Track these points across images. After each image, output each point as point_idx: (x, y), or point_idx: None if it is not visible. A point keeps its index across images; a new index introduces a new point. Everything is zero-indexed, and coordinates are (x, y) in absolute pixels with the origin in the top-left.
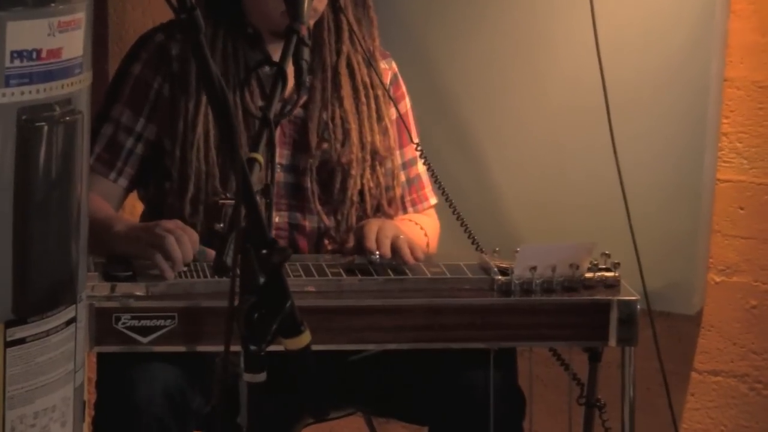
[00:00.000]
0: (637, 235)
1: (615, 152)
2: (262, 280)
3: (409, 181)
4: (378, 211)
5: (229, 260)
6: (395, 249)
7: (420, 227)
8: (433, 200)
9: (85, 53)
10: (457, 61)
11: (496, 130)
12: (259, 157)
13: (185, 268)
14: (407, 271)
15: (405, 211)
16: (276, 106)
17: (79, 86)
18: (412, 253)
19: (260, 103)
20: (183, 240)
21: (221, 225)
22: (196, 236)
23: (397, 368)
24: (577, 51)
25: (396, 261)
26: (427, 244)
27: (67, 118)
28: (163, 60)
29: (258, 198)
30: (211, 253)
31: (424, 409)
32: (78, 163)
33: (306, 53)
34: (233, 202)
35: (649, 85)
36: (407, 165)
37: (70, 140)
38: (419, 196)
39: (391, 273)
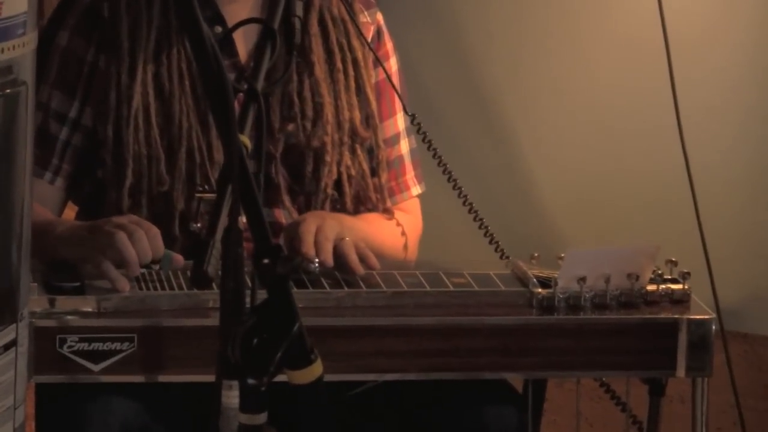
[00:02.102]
0: (709, 239)
1: (682, 139)
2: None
3: (388, 165)
4: (360, 203)
5: (211, 269)
6: (339, 255)
7: (397, 225)
8: (417, 190)
9: (30, 9)
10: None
11: (532, 111)
12: (246, 139)
13: (143, 271)
14: (361, 284)
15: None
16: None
17: (21, 51)
18: (364, 260)
19: None
20: (138, 237)
21: (197, 225)
22: (155, 232)
23: (406, 405)
24: (633, 26)
25: (340, 271)
26: (405, 247)
27: (8, 91)
28: (95, 24)
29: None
30: (179, 259)
31: None
32: (21, 149)
33: (299, 8)
34: (213, 195)
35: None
36: (388, 143)
37: (10, 119)
38: (399, 185)
39: (326, 286)
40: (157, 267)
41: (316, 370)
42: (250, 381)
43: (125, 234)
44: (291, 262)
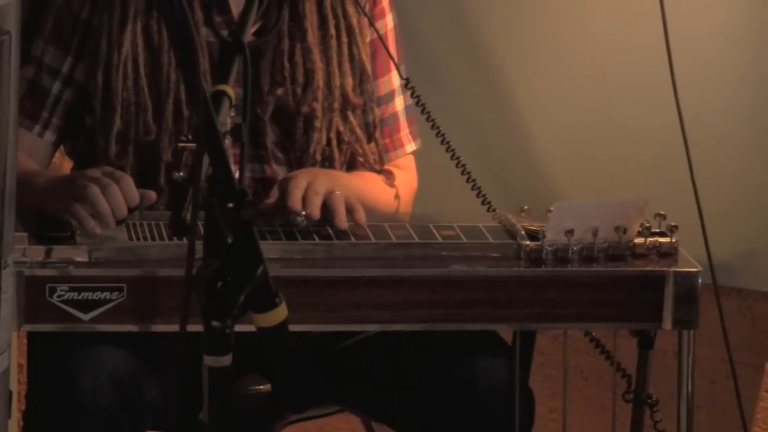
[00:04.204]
0: (702, 191)
1: (676, 96)
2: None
3: (382, 122)
4: (352, 166)
5: (189, 217)
6: (328, 208)
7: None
8: (411, 147)
9: None
10: None
11: (528, 67)
12: (229, 90)
13: (117, 225)
14: (351, 235)
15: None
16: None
17: (5, 0)
18: (352, 213)
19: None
20: (111, 190)
21: (180, 174)
22: (128, 181)
23: (395, 357)
24: None
25: (329, 225)
26: (399, 204)
27: None
28: None
29: (227, 141)
30: (151, 195)
31: (416, 412)
32: (5, 98)
33: None
34: (194, 145)
35: (710, 20)
36: (382, 101)
37: None
38: (393, 142)
39: (316, 238)
40: (135, 213)
41: (280, 313)
42: (215, 323)
43: (98, 188)
44: (255, 206)
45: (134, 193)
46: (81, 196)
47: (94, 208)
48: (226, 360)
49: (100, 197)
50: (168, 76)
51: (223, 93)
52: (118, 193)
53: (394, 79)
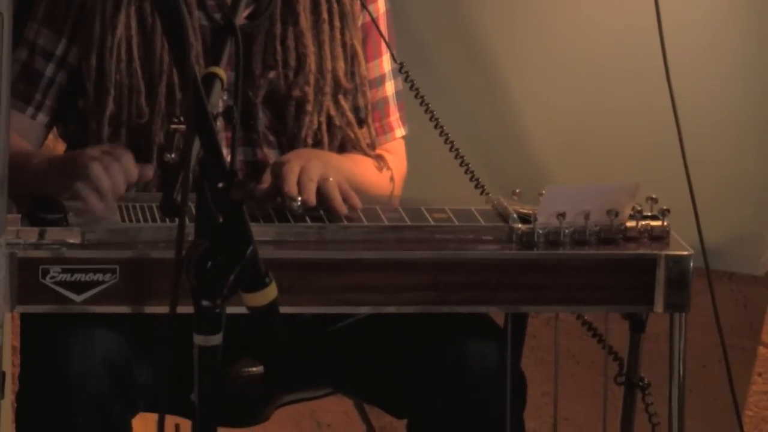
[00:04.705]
0: (694, 177)
1: (669, 81)
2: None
3: (373, 107)
4: (343, 151)
5: (180, 198)
6: (323, 195)
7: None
8: (401, 131)
9: None
10: None
11: (521, 52)
12: (221, 72)
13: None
14: (343, 218)
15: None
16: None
17: None
18: (347, 200)
19: None
20: (112, 168)
21: (172, 155)
22: (128, 157)
23: (386, 340)
24: None
25: (324, 210)
26: (391, 187)
27: None
28: None
29: (219, 124)
30: (148, 170)
31: (407, 394)
32: None
33: None
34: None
35: (703, 6)
36: (372, 85)
37: None
38: (383, 126)
39: (308, 220)
40: (132, 189)
41: (270, 293)
42: (204, 303)
43: (101, 166)
44: (244, 186)
45: (133, 171)
46: (83, 175)
47: (97, 186)
48: (216, 339)
49: (102, 175)
50: (161, 59)
51: (214, 75)
52: (120, 173)
53: (385, 64)
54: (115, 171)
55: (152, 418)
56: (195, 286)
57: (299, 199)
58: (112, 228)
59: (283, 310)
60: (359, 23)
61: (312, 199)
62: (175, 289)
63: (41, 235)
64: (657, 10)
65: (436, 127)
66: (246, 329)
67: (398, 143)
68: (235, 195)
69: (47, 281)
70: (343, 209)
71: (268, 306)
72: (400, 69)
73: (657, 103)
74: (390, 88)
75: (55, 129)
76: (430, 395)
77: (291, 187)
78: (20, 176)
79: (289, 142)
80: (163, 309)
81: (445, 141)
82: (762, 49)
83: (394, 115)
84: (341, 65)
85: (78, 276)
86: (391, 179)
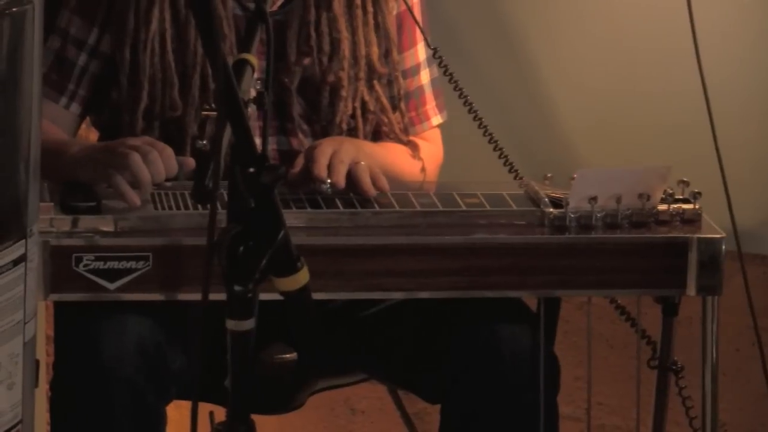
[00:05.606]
0: (726, 159)
1: (699, 61)
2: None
3: (408, 95)
4: (378, 138)
5: (211, 184)
6: (353, 177)
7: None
8: (437, 119)
9: None
10: None
11: (552, 35)
12: (252, 58)
13: (158, 191)
14: (375, 203)
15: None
16: None
17: None
18: (375, 182)
19: None
20: (152, 157)
21: (204, 142)
22: (170, 152)
23: (419, 325)
24: None
25: (353, 192)
26: (424, 176)
27: (14, 9)
28: None
29: (251, 111)
30: (190, 162)
31: (440, 379)
32: (28, 67)
33: None
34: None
35: None
36: (407, 74)
37: (17, 37)
38: (419, 115)
39: (340, 206)
40: (170, 185)
41: (302, 277)
42: (236, 288)
43: (139, 155)
44: (276, 170)
45: (174, 164)
46: (122, 165)
47: (135, 176)
48: (249, 324)
49: (141, 165)
50: (195, 51)
51: (245, 62)
52: (159, 161)
53: (420, 52)
54: (154, 160)
55: (186, 405)
56: (227, 270)
57: (329, 181)
58: (145, 216)
59: (315, 296)
60: (394, 12)
61: (341, 182)
62: (207, 275)
63: (74, 224)
64: None
65: (470, 112)
66: (280, 316)
67: (435, 131)
68: (266, 179)
69: (80, 269)
70: (372, 191)
71: (300, 290)
72: (434, 54)
73: (687, 85)
74: (425, 76)
75: (87, 118)
76: (463, 380)
77: (321, 169)
78: (58, 164)
79: (323, 129)
80: (196, 296)
81: (479, 126)
82: None
83: (431, 104)
84: (375, 50)
85: (111, 264)
86: (424, 168)
